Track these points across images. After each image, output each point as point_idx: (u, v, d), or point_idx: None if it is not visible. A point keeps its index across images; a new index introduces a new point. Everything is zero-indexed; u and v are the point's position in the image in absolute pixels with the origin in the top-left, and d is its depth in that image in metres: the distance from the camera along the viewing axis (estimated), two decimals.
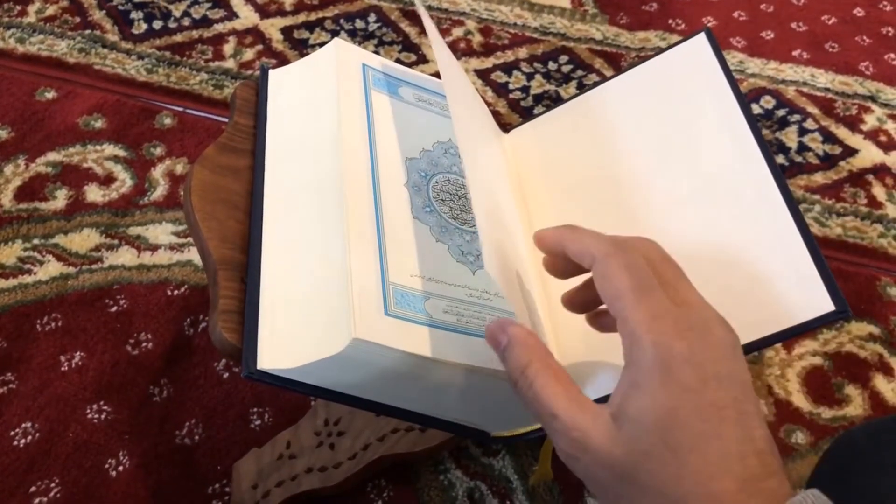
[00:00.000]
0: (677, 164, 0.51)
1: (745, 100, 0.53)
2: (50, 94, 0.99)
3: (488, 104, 1.03)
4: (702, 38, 0.57)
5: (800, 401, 0.77)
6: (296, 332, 0.44)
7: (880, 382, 0.79)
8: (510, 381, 0.40)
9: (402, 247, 0.46)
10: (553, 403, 0.37)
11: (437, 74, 0.59)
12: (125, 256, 0.84)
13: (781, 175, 0.49)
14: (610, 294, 0.38)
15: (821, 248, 0.46)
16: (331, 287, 0.44)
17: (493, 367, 0.43)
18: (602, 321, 0.45)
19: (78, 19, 1.10)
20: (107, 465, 0.70)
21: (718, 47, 0.56)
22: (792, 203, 0.48)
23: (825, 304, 0.44)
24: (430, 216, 0.49)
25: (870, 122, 1.05)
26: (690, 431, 0.34)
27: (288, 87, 0.57)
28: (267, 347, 0.43)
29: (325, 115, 0.53)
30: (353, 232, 0.45)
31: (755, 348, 0.45)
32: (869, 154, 1.01)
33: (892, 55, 1.14)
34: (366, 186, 0.48)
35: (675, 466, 0.34)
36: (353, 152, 0.50)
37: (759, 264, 0.46)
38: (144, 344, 0.78)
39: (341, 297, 0.42)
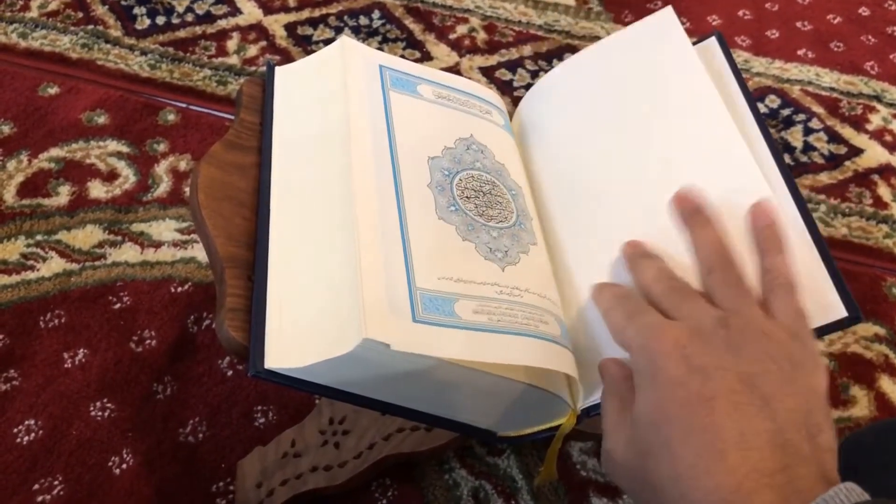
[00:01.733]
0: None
1: (755, 102, 0.53)
2: (53, 90, 0.99)
3: None
4: (712, 41, 0.56)
5: None
6: (304, 330, 0.43)
7: (886, 383, 0.79)
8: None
9: (429, 250, 0.46)
10: (604, 422, 0.41)
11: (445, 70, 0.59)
12: (128, 253, 0.84)
13: (791, 177, 0.49)
14: (614, 335, 0.41)
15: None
16: (340, 285, 0.43)
17: (526, 363, 0.43)
18: None
19: (80, 14, 1.10)
20: (110, 463, 0.70)
21: (729, 50, 0.55)
22: (803, 206, 0.47)
23: (837, 310, 0.43)
24: (455, 215, 0.49)
25: (875, 121, 1.05)
26: (679, 425, 0.34)
27: (295, 84, 0.57)
28: (274, 346, 0.43)
29: (333, 112, 0.52)
30: (363, 230, 0.44)
31: None
32: (874, 154, 1.01)
33: None
34: (388, 192, 0.47)
35: (669, 462, 0.34)
36: (364, 151, 0.49)
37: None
38: (148, 341, 0.77)
39: (351, 296, 0.42)
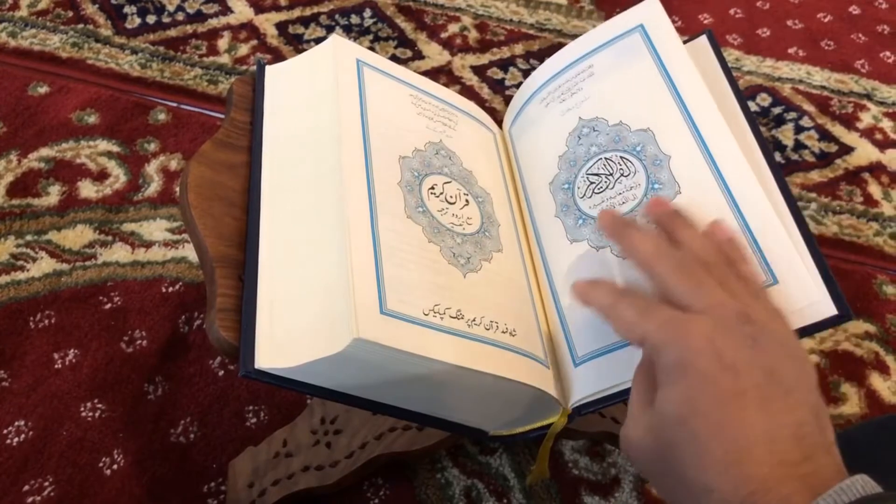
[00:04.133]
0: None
1: (746, 100, 0.53)
2: (43, 89, 0.99)
3: (484, 101, 1.03)
4: (703, 39, 0.56)
5: None
6: (295, 330, 0.43)
7: (877, 381, 0.79)
8: None
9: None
10: (631, 402, 0.40)
11: (433, 71, 0.58)
12: (119, 253, 0.83)
13: (781, 175, 0.49)
14: (625, 331, 0.40)
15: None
16: (331, 285, 0.43)
17: (477, 368, 0.43)
18: None
19: (71, 13, 1.09)
20: (101, 464, 0.69)
21: (719, 48, 0.55)
22: (793, 204, 0.47)
23: (827, 308, 0.43)
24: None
25: (865, 119, 1.05)
26: (709, 419, 0.35)
27: (285, 83, 0.57)
28: (265, 346, 0.43)
29: (324, 111, 0.52)
30: (354, 230, 0.44)
31: None
32: (865, 152, 1.01)
33: (888, 53, 1.14)
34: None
35: (697, 455, 0.35)
36: (356, 151, 0.49)
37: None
38: (139, 341, 0.77)
39: (342, 296, 0.42)
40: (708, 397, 0.35)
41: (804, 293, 0.44)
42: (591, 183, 0.52)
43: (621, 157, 0.51)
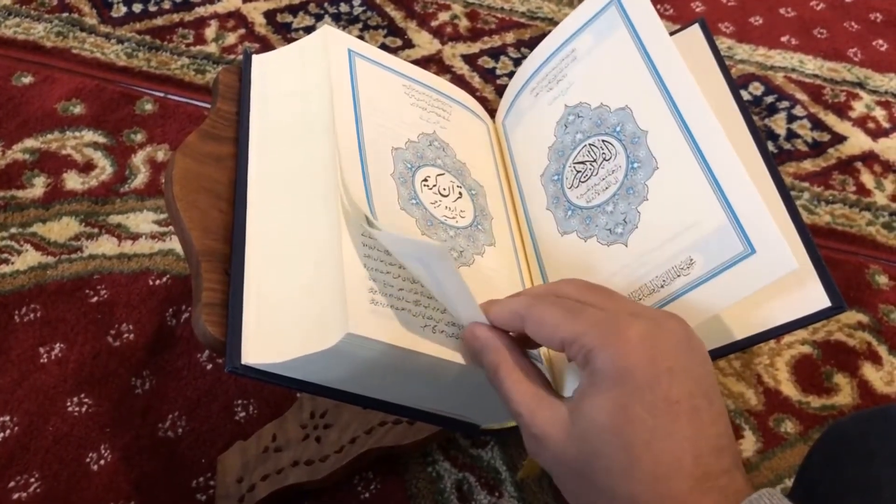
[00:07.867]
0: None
1: (738, 89, 0.52)
2: (27, 79, 0.97)
3: (475, 90, 1.02)
4: (695, 28, 0.56)
5: (789, 389, 0.77)
6: (282, 325, 0.42)
7: (869, 371, 0.79)
8: (487, 380, 0.41)
9: None
10: (517, 401, 0.38)
11: (423, 60, 0.57)
12: (105, 245, 0.82)
13: (774, 164, 0.48)
14: (548, 332, 0.38)
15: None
16: (321, 279, 0.42)
17: (469, 362, 0.43)
18: None
19: (55, 2, 1.08)
20: (88, 459, 0.68)
21: (712, 37, 0.55)
22: (786, 193, 0.47)
23: (820, 300, 0.43)
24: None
25: (858, 108, 1.04)
26: (642, 428, 0.34)
27: (273, 73, 0.56)
28: (252, 341, 0.42)
29: (314, 102, 0.51)
30: (345, 224, 0.44)
31: (747, 345, 0.44)
32: (857, 141, 1.01)
33: (881, 41, 1.14)
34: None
35: (626, 465, 0.34)
36: (346, 141, 0.48)
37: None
38: (126, 335, 0.76)
39: (332, 290, 0.41)
40: (644, 405, 0.34)
41: (797, 285, 0.43)
42: (578, 172, 0.50)
43: (603, 141, 0.49)
